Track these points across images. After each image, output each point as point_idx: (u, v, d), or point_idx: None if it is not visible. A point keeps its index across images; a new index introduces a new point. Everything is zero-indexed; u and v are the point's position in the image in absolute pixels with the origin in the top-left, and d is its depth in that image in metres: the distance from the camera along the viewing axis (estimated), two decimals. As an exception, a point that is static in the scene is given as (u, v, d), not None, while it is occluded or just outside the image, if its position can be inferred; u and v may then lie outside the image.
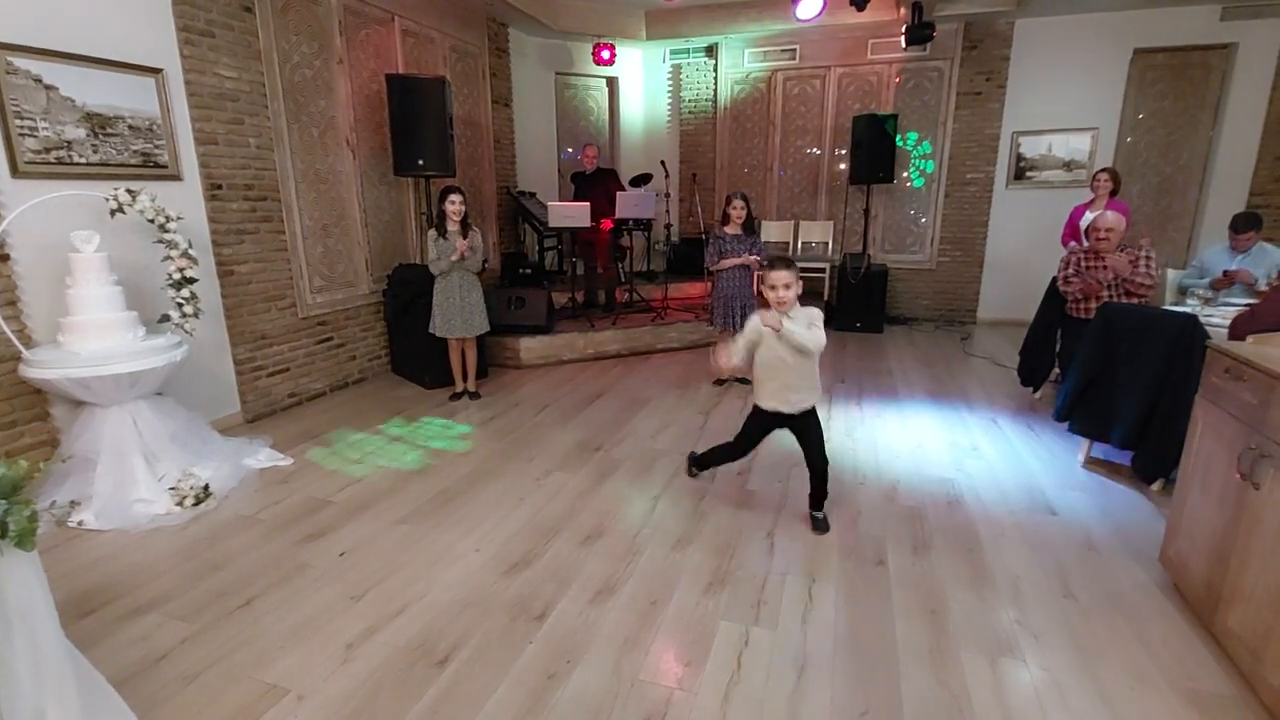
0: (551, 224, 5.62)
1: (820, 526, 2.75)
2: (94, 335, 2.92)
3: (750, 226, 4.52)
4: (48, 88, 3.01)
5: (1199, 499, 2.13)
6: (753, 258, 4.47)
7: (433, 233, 4.20)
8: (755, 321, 2.59)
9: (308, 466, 3.44)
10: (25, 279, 2.97)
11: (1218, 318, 3.25)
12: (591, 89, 7.90)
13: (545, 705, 1.81)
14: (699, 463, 3.15)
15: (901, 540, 2.67)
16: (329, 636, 2.10)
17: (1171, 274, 4.57)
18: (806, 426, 2.69)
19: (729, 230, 4.50)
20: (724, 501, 3.03)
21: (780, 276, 2.53)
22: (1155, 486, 3.07)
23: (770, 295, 2.56)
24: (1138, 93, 6.32)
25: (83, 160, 3.16)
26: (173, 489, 2.94)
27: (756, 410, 2.77)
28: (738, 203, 4.44)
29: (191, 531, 2.79)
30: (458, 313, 4.30)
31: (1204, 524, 2.08)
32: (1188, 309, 3.41)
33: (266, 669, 1.95)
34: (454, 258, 4.14)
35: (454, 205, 4.16)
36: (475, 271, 4.36)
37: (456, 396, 4.54)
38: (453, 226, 4.19)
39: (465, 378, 4.57)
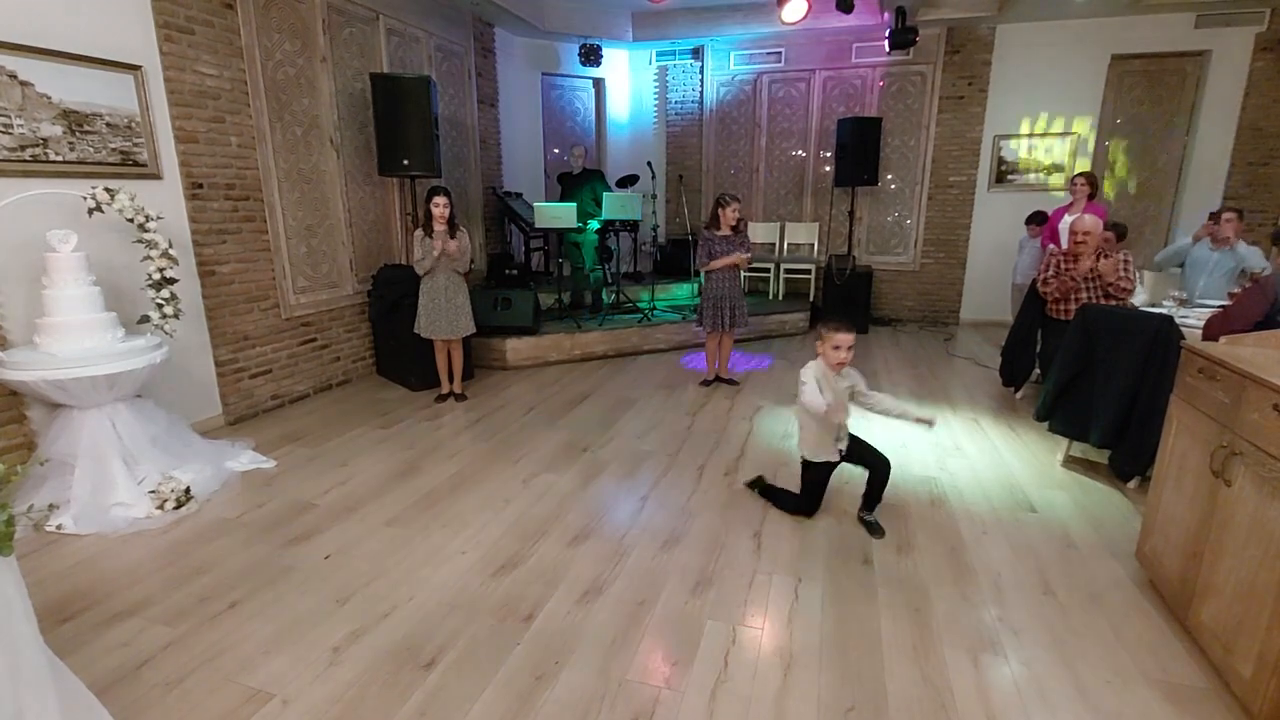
0: (538, 224, 5.62)
1: (876, 531, 2.73)
2: (71, 336, 2.87)
3: (738, 227, 4.56)
4: (22, 83, 2.95)
5: (1173, 496, 2.18)
6: (745, 255, 4.54)
7: (419, 233, 4.19)
8: (817, 394, 2.61)
9: (291, 469, 3.41)
10: (0, 279, 2.92)
11: (1193, 319, 3.32)
12: (578, 90, 7.89)
13: (533, 707, 1.81)
14: (765, 491, 3.03)
15: (886, 539, 2.71)
16: (314, 640, 2.08)
17: (1151, 272, 4.70)
18: (860, 447, 2.79)
19: (719, 232, 4.52)
20: (711, 502, 3.05)
21: (847, 339, 2.61)
22: (1131, 484, 3.14)
23: (834, 355, 2.63)
24: (1116, 98, 6.45)
25: (59, 158, 3.10)
26: (153, 492, 2.90)
27: (814, 465, 2.79)
28: (734, 205, 4.46)
29: (173, 535, 2.75)
30: (443, 314, 4.28)
31: (1178, 521, 2.13)
32: (1164, 310, 3.49)
33: (250, 674, 1.93)
34: (435, 254, 4.13)
35: (439, 208, 4.15)
36: (462, 272, 4.35)
37: (442, 398, 4.52)
38: (439, 227, 4.17)
39: (451, 379, 4.55)
